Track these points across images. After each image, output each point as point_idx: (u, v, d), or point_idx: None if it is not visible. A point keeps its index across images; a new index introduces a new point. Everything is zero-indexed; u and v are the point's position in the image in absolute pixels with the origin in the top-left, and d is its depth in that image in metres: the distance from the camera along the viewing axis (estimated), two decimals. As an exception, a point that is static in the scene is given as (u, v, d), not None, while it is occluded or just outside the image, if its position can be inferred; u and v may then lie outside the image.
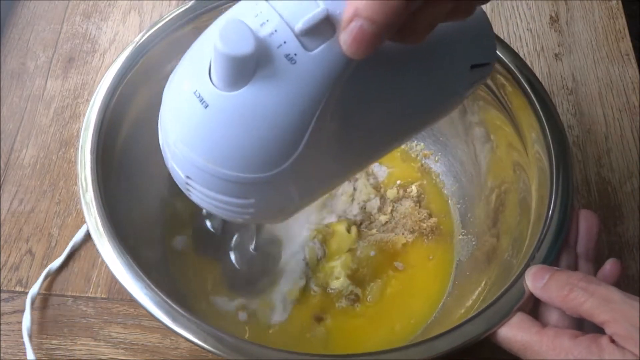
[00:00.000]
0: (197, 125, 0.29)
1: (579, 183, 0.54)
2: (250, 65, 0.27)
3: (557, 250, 0.39)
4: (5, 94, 0.58)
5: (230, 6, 0.46)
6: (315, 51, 0.27)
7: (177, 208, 0.50)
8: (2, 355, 0.46)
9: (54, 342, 0.47)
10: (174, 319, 0.36)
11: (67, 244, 0.51)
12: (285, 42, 0.27)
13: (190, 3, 0.46)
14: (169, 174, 0.49)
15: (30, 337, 0.45)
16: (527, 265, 0.38)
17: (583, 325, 0.36)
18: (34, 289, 0.47)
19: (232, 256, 0.48)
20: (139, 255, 0.40)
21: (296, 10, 0.27)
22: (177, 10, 0.46)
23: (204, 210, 0.48)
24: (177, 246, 0.49)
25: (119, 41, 0.62)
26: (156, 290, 0.36)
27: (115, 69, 0.44)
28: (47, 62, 0.61)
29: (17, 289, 0.49)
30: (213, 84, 0.28)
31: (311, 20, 0.26)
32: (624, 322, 0.32)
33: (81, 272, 0.50)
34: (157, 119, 0.47)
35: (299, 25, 0.27)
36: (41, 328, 0.47)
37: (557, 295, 0.35)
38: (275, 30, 0.27)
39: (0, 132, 0.56)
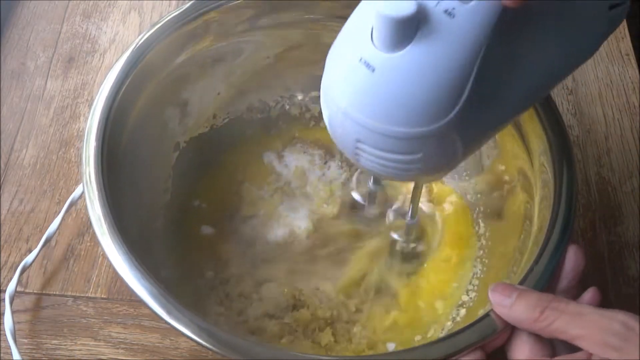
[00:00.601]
0: (366, 89, 0.30)
1: (579, 183, 0.54)
2: (413, 25, 0.28)
3: (556, 262, 0.37)
4: (5, 94, 0.58)
5: (229, 6, 0.47)
6: (472, 3, 0.28)
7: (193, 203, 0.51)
8: (1, 355, 0.46)
9: (54, 342, 0.47)
10: (169, 313, 0.36)
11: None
12: None
13: (190, 3, 0.47)
14: (173, 171, 0.50)
15: (14, 337, 0.44)
16: (525, 278, 0.37)
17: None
18: (11, 286, 0.46)
19: (394, 235, 0.48)
20: (144, 252, 0.40)
21: None
22: (177, 10, 0.46)
23: (353, 181, 0.50)
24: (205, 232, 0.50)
25: (119, 41, 0.62)
26: (154, 283, 0.36)
27: (120, 65, 0.44)
28: (47, 62, 0.61)
29: (17, 289, 0.49)
30: (377, 49, 0.29)
31: None
32: (597, 331, 0.31)
33: (81, 272, 0.50)
34: (160, 116, 0.47)
35: None
36: (40, 328, 0.47)
37: (527, 317, 0.33)
38: None
39: (0, 132, 0.56)
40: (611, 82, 0.60)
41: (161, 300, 0.36)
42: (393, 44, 0.29)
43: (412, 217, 0.46)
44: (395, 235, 0.48)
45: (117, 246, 0.38)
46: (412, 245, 0.49)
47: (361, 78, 0.30)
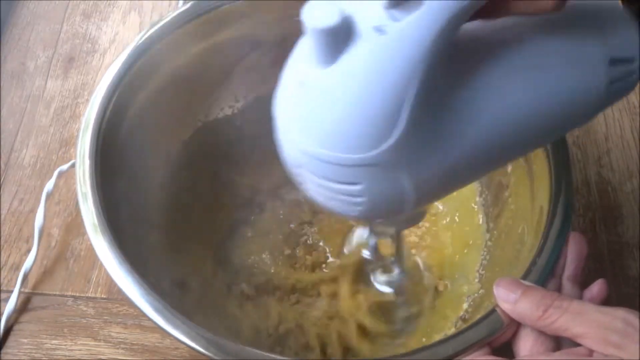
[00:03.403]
0: (293, 103, 0.29)
1: (579, 183, 0.54)
2: (339, 38, 0.27)
3: (559, 251, 0.38)
4: (5, 94, 0.59)
5: (229, 6, 0.47)
6: (404, 21, 0.27)
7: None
8: (2, 355, 0.46)
9: (54, 342, 0.47)
10: (167, 319, 0.36)
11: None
12: (373, 15, 0.27)
13: (190, 3, 0.47)
14: (171, 168, 0.50)
15: None
16: (529, 271, 0.37)
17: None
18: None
19: (378, 286, 0.47)
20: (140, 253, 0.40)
21: None
22: (177, 10, 0.46)
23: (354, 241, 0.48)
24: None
25: (119, 41, 0.62)
26: (138, 277, 0.36)
27: (117, 66, 0.43)
28: (47, 62, 0.61)
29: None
30: (308, 64, 0.28)
31: None
32: (598, 329, 0.31)
33: (81, 272, 0.50)
34: (158, 117, 0.47)
35: None
36: (40, 328, 0.47)
37: (530, 315, 0.34)
38: (363, 4, 0.27)
39: (0, 132, 0.56)
40: (611, 82, 0.60)
41: (158, 307, 0.36)
42: (320, 57, 0.27)
43: (400, 272, 0.45)
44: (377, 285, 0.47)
45: (108, 244, 0.37)
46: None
47: (290, 91, 0.29)
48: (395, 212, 0.33)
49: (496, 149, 0.32)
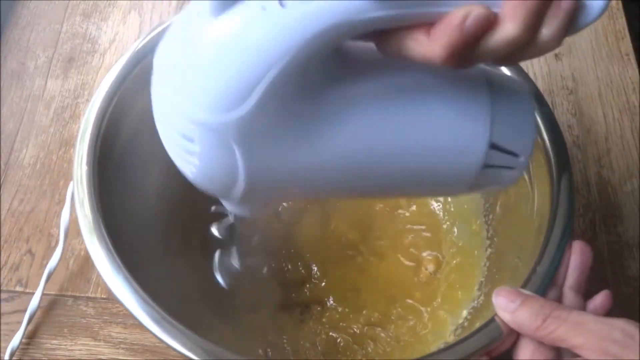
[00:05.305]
0: (173, 39, 0.30)
1: (579, 183, 0.54)
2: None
3: (558, 260, 0.37)
4: (5, 94, 0.59)
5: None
6: (286, 10, 0.27)
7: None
8: (2, 355, 0.46)
9: (54, 342, 0.47)
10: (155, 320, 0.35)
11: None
12: None
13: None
14: (170, 177, 0.49)
15: None
16: (529, 279, 0.37)
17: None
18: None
19: (218, 276, 0.45)
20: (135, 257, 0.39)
21: None
22: (178, 12, 0.46)
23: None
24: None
25: (119, 41, 0.62)
26: (138, 288, 0.36)
27: (117, 70, 0.43)
28: (47, 62, 0.61)
29: (17, 289, 0.49)
30: (200, 10, 0.28)
31: None
32: (597, 340, 0.31)
33: (81, 272, 0.50)
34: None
35: None
36: (40, 328, 0.47)
37: (529, 324, 0.33)
38: None
39: (0, 132, 0.56)
40: (611, 82, 0.60)
41: (162, 323, 0.35)
42: (210, 9, 0.27)
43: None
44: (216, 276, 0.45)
45: (105, 250, 0.37)
46: None
47: (177, 28, 0.29)
48: (224, 189, 0.33)
49: (347, 180, 0.32)
